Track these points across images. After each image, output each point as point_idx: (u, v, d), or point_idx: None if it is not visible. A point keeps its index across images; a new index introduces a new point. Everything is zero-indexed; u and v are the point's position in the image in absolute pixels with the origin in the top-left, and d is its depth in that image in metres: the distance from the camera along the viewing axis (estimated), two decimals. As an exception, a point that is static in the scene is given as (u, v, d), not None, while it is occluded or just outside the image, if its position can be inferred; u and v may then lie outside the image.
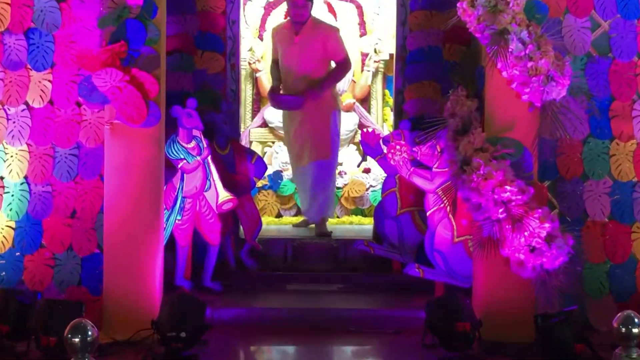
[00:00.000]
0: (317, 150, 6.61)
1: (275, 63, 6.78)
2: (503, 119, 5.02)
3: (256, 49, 7.90)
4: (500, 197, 4.80)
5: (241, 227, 6.32)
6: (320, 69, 6.59)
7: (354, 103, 7.83)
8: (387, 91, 8.19)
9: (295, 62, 6.56)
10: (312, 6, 6.67)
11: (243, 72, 7.80)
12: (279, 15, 7.83)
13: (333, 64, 6.71)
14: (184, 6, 6.20)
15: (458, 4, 4.96)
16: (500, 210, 4.80)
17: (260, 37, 7.97)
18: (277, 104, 6.72)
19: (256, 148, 7.81)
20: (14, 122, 5.53)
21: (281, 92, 6.68)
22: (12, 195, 5.55)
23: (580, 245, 5.15)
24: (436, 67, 6.22)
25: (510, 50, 4.84)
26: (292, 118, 6.71)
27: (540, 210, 4.79)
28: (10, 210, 5.54)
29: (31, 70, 5.53)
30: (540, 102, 4.92)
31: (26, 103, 5.53)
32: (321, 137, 6.60)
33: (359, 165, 7.69)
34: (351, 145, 7.78)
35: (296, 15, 6.56)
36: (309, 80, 6.52)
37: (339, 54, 6.62)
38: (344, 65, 6.66)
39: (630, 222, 5.62)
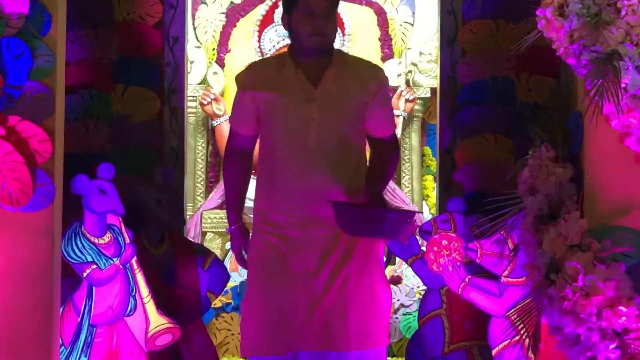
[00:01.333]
0: (364, 328, 5.10)
1: (243, 152, 5.31)
2: (614, 196, 5.08)
3: (213, 81, 8.03)
4: (611, 325, 4.85)
5: (187, 374, 6.37)
6: (361, 145, 5.35)
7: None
8: (427, 149, 8.31)
9: (314, 138, 5.15)
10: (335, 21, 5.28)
11: (192, 119, 7.93)
12: (247, 28, 7.98)
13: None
14: (95, 15, 6.29)
15: (538, 11, 4.99)
16: (612, 347, 4.83)
17: (220, 62, 8.11)
18: (374, 229, 4.96)
19: (212, 243, 7.88)
20: None
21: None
22: None
23: None
24: (505, 111, 6.32)
25: (623, 85, 4.92)
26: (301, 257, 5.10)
27: (676, 348, 4.85)
28: None
29: None
30: (673, 169, 5.02)
31: None
32: (373, 298, 5.16)
33: (382, 272, 7.77)
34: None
35: (315, 34, 5.09)
36: (351, 174, 5.19)
37: (390, 125, 5.43)
38: (396, 146, 5.57)
39: None
